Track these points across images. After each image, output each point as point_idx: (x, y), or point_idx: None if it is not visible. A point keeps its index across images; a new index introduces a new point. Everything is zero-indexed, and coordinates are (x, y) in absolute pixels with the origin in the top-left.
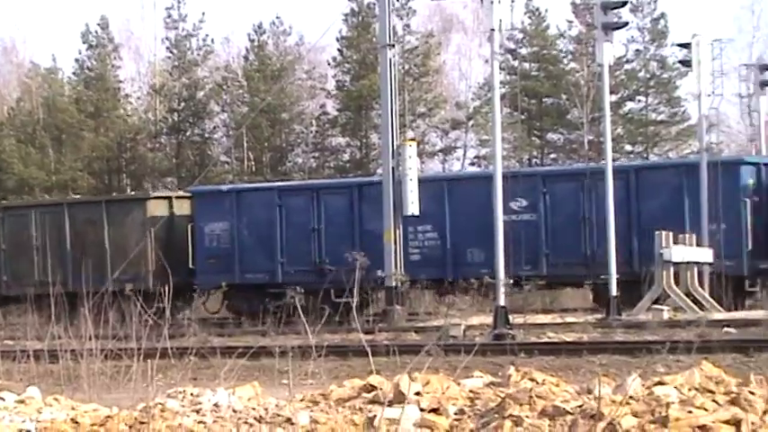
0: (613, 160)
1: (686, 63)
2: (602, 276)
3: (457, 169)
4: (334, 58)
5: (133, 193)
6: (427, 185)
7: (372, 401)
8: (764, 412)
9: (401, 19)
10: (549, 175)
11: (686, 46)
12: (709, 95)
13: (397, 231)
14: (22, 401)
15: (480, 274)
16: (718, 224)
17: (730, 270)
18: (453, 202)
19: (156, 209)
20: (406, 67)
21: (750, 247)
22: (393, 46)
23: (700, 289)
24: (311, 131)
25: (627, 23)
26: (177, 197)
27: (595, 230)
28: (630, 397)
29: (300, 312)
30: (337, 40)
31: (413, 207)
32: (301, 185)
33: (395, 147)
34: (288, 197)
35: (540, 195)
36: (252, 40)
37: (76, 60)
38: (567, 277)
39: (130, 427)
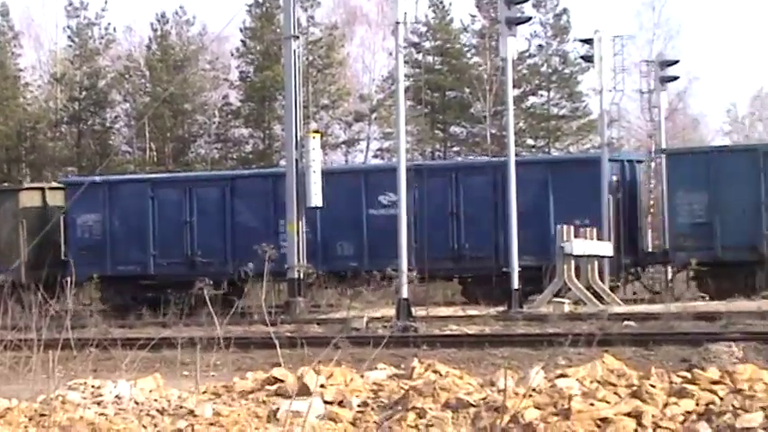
0: (516, 154)
1: (588, 59)
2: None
3: (359, 161)
4: (238, 49)
5: (6, 184)
6: None
7: (276, 394)
8: (665, 405)
9: (305, 10)
10: (418, 170)
11: (588, 42)
12: (610, 91)
13: (300, 223)
14: None
15: (349, 267)
16: (581, 220)
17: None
18: (324, 195)
19: (29, 200)
20: (310, 58)
21: (612, 242)
22: (297, 37)
23: (600, 282)
24: (214, 122)
25: (530, 18)
26: (50, 188)
27: (463, 225)
28: (533, 389)
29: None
30: (241, 30)
31: (316, 199)
32: (174, 178)
33: (298, 138)
34: (160, 189)
35: (410, 190)
36: (155, 30)
37: None
38: (435, 271)
39: (30, 419)
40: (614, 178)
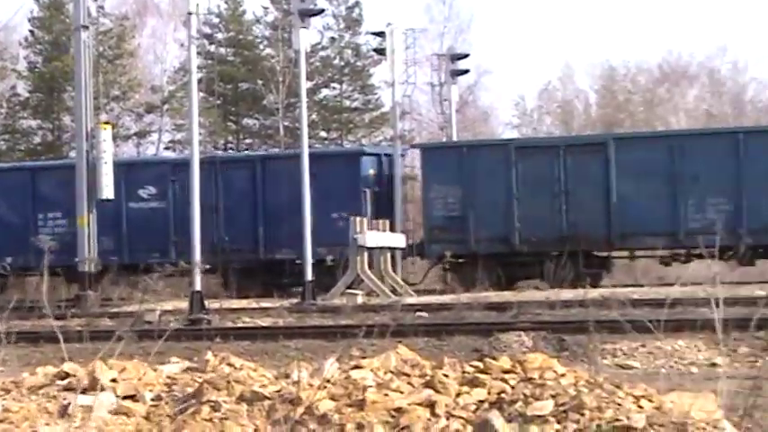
0: (309, 146)
1: (380, 51)
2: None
3: (151, 153)
4: (26, 39)
5: None
6: (61, 172)
7: (67, 389)
8: (458, 394)
9: (95, 0)
10: (178, 164)
11: (380, 34)
12: (402, 84)
13: (91, 216)
14: None
15: (109, 261)
16: (340, 213)
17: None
18: None
19: None
20: (101, 49)
21: None
22: (87, 28)
23: (393, 274)
24: (1, 113)
25: (323, 10)
26: None
27: (223, 219)
28: (328, 381)
29: None
30: (29, 20)
31: (107, 191)
32: None
33: (89, 130)
34: None
35: (169, 183)
36: None
37: None
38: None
39: None
40: (371, 172)
